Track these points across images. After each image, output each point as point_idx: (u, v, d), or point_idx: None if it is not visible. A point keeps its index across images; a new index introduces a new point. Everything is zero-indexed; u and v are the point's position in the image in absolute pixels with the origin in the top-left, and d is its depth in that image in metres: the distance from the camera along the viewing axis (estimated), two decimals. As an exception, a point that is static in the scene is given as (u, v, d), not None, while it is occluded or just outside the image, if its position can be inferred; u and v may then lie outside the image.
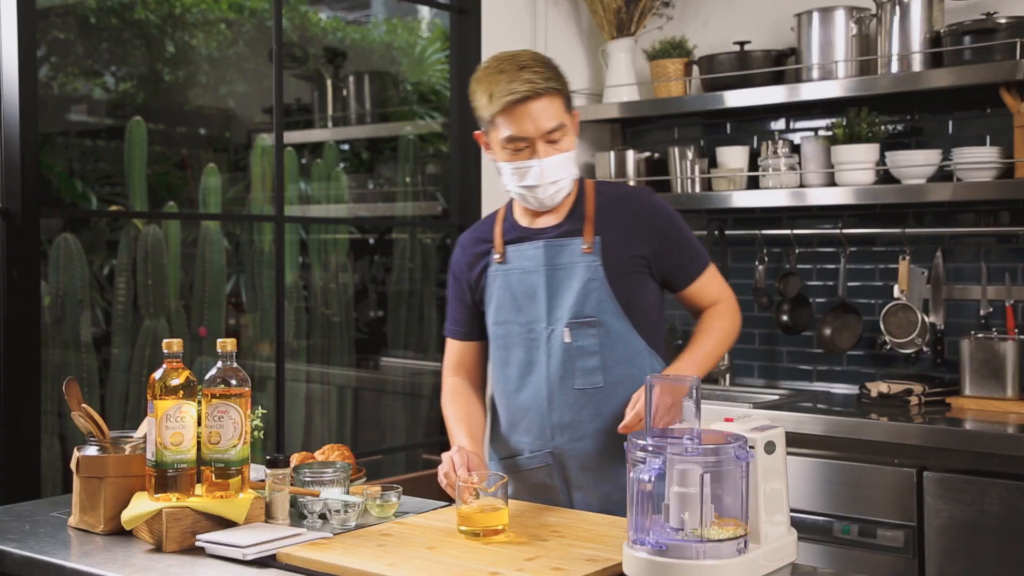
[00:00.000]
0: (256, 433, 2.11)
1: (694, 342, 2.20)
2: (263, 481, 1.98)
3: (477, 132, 2.19)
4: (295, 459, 2.18)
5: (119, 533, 1.91)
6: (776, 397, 3.48)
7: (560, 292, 2.14)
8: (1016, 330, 3.24)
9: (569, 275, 2.14)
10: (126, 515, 1.87)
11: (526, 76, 2.05)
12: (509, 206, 2.27)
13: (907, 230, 3.40)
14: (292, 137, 4.97)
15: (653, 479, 1.57)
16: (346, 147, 5.34)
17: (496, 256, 2.21)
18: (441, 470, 2.02)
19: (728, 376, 3.75)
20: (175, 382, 1.89)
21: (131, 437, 2.01)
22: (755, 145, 3.76)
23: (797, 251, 3.66)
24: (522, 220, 2.23)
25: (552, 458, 2.16)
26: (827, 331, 3.55)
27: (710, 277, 2.23)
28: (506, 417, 2.24)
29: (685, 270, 2.20)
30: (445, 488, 2.00)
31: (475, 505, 1.84)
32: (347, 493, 2.02)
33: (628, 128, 4.07)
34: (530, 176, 2.10)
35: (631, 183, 3.81)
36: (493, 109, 2.08)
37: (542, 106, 2.06)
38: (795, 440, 2.98)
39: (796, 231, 3.61)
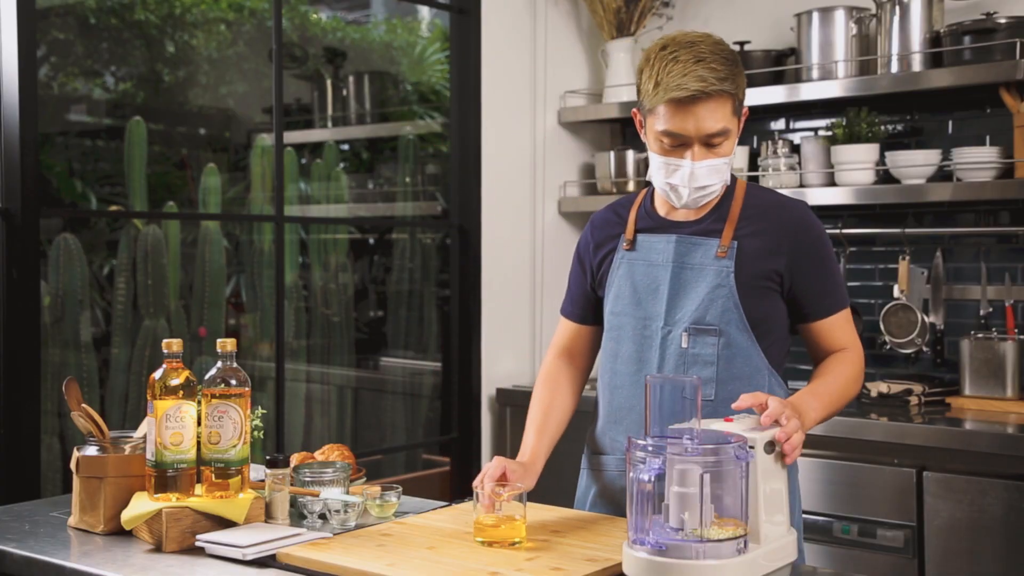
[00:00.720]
0: (256, 433, 2.11)
1: (816, 379, 2.00)
2: (263, 481, 1.97)
3: (635, 109, 2.05)
4: (295, 459, 2.18)
5: (119, 533, 1.91)
6: (776, 397, 3.47)
7: (684, 293, 2.00)
8: (1016, 330, 3.24)
9: (697, 277, 2.00)
10: (126, 515, 1.87)
11: (700, 72, 1.88)
12: (651, 191, 2.13)
13: (907, 230, 3.40)
14: (292, 137, 4.97)
15: (653, 479, 1.57)
16: (346, 147, 5.34)
17: (625, 243, 2.08)
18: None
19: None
20: (175, 382, 1.89)
21: (131, 437, 2.01)
22: (755, 145, 3.76)
23: (797, 251, 3.66)
24: (660, 209, 2.08)
25: None
26: (827, 331, 3.54)
27: (844, 320, 2.03)
28: (607, 411, 2.12)
29: (819, 300, 2.01)
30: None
31: (491, 517, 1.81)
32: (347, 493, 2.02)
33: (628, 128, 4.07)
34: (677, 176, 1.96)
35: (630, 184, 3.81)
36: (656, 100, 1.92)
37: (709, 108, 1.91)
38: (795, 440, 2.97)
39: (796, 231, 3.61)
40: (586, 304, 2.17)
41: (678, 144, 1.95)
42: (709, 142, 1.94)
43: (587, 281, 2.16)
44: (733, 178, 2.07)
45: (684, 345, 1.99)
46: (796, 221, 2.01)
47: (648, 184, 2.14)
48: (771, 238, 1.99)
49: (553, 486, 2.22)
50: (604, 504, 2.12)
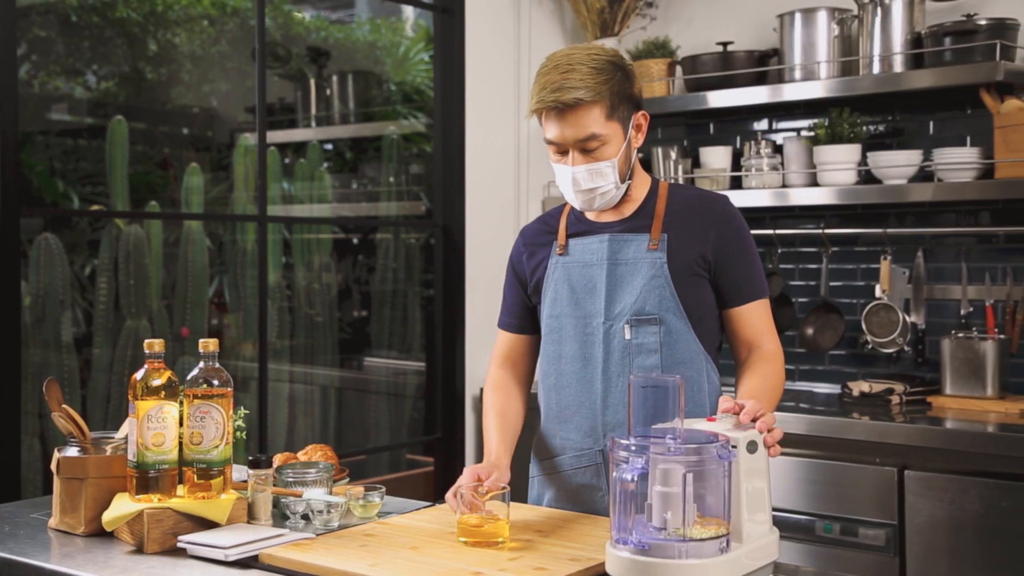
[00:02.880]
0: (238, 434, 2.10)
1: (749, 381, 2.04)
2: (245, 482, 1.97)
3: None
4: (278, 459, 2.17)
5: (100, 534, 1.90)
6: (759, 396, 3.48)
7: (621, 287, 2.09)
8: (996, 329, 3.26)
9: (632, 271, 2.08)
10: (107, 516, 1.87)
11: (567, 83, 1.97)
12: None
13: (888, 230, 3.42)
14: (275, 137, 4.95)
15: (636, 478, 1.57)
16: (329, 147, 5.32)
17: (558, 248, 2.16)
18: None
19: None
20: (157, 382, 1.88)
21: (112, 438, 2.00)
22: (738, 145, 3.77)
23: (779, 251, 3.67)
24: (589, 214, 2.17)
25: (602, 457, 2.10)
26: (809, 331, 3.56)
27: (762, 309, 2.11)
28: (553, 413, 2.17)
29: (738, 287, 2.09)
30: (448, 502, 1.94)
31: (475, 516, 1.81)
32: (330, 493, 2.02)
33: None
34: (561, 180, 2.08)
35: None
36: (532, 111, 2.05)
37: (576, 115, 1.99)
38: (777, 439, 2.99)
39: (778, 231, 3.63)
40: (523, 314, 2.26)
41: (561, 150, 2.05)
42: (584, 147, 2.03)
43: (523, 292, 2.24)
44: (656, 180, 2.17)
45: (627, 337, 2.07)
46: (719, 212, 2.11)
47: None
48: (697, 228, 2.09)
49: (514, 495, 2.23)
50: (563, 506, 2.14)
